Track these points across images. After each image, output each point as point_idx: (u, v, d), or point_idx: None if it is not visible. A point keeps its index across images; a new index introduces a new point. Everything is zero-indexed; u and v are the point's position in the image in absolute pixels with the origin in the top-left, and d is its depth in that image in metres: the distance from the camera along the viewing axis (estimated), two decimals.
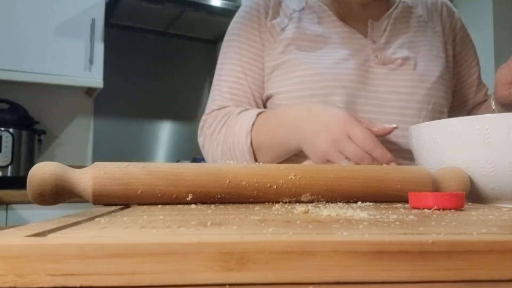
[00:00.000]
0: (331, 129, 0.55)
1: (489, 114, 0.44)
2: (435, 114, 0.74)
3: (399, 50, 0.75)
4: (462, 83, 0.87)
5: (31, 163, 1.90)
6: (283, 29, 0.77)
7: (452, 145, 0.46)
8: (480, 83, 0.90)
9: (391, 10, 0.79)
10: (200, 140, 0.78)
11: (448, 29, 0.85)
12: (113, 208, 0.36)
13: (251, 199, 0.40)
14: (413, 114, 0.71)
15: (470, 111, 0.89)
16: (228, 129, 0.70)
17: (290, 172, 0.41)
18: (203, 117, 0.78)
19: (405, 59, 0.74)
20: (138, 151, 2.36)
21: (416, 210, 0.34)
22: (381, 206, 0.38)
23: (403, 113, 0.71)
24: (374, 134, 0.56)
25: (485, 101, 0.89)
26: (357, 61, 0.72)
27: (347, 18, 0.77)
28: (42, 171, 0.35)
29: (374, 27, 0.76)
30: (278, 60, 0.75)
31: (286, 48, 0.75)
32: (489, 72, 2.49)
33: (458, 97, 0.87)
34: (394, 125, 0.57)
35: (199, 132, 0.79)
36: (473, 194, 0.47)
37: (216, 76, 0.81)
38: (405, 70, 0.73)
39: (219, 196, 0.39)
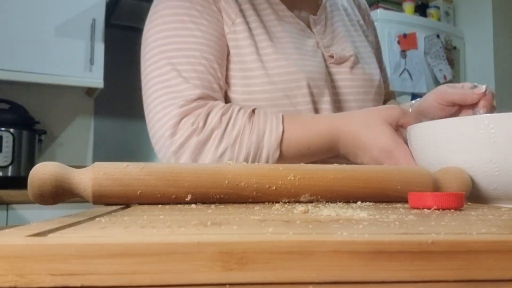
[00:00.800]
0: (380, 163, 0.56)
1: (494, 114, 0.44)
2: None
3: (344, 46, 0.73)
4: None
5: (31, 163, 1.90)
6: (241, 10, 0.67)
7: (455, 145, 0.46)
8: (386, 75, 0.92)
9: (323, 2, 0.77)
10: (177, 140, 0.58)
11: (367, 21, 0.86)
12: (114, 208, 0.36)
13: (250, 200, 0.40)
14: None
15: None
16: (242, 136, 0.58)
17: (289, 173, 0.41)
18: (175, 110, 0.59)
19: (355, 57, 0.73)
20: (138, 151, 2.36)
21: (415, 210, 0.34)
22: (381, 206, 0.38)
23: None
24: None
25: (388, 93, 0.91)
26: (319, 60, 0.69)
27: (291, 7, 0.72)
28: (43, 172, 0.35)
29: (316, 23, 0.73)
30: (243, 49, 0.65)
31: (249, 33, 0.66)
32: (489, 71, 2.49)
33: None
34: None
35: (169, 132, 0.59)
36: (474, 194, 0.47)
37: (163, 61, 0.62)
38: (357, 69, 0.72)
39: (218, 196, 0.39)
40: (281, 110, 0.64)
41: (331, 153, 0.62)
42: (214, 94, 0.62)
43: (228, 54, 0.66)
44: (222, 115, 0.59)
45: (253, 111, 0.61)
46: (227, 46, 0.66)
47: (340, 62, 0.71)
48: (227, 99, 0.66)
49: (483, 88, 0.62)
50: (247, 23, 0.66)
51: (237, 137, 0.58)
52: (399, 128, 0.59)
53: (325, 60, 0.70)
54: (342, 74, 0.71)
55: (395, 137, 0.55)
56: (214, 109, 0.60)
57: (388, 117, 0.57)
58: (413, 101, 0.75)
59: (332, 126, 0.59)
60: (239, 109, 0.61)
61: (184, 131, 0.58)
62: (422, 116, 0.71)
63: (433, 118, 0.68)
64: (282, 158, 0.60)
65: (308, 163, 0.61)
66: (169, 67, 0.62)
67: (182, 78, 0.61)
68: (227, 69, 0.66)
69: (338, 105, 0.70)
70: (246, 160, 0.58)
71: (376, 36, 0.89)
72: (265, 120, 0.59)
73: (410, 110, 0.74)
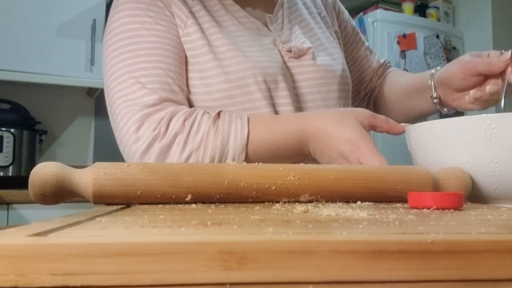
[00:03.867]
0: (346, 157, 0.55)
1: (495, 114, 0.44)
2: (348, 101, 0.75)
3: (302, 41, 0.73)
4: (354, 57, 0.89)
5: (32, 163, 1.90)
6: (191, 12, 0.67)
7: (456, 145, 0.46)
8: (371, 51, 0.92)
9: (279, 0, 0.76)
10: (140, 146, 0.58)
11: (330, 11, 0.85)
12: (114, 207, 0.36)
13: (250, 200, 0.40)
14: (334, 104, 0.71)
15: (370, 82, 0.91)
16: (206, 140, 0.57)
17: (289, 173, 0.41)
18: (133, 117, 0.59)
19: (314, 48, 0.72)
20: None
21: (415, 210, 0.34)
22: (381, 205, 0.38)
23: (326, 105, 0.70)
24: (398, 134, 0.58)
25: (381, 65, 0.91)
26: (275, 56, 0.68)
27: (244, 6, 0.71)
28: (44, 172, 0.36)
29: (272, 21, 0.72)
30: (197, 50, 0.65)
31: (202, 34, 0.65)
32: None
33: (355, 71, 0.88)
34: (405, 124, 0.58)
35: (131, 139, 0.59)
36: (474, 194, 0.47)
37: (121, 70, 0.62)
38: (318, 61, 0.72)
39: (218, 196, 0.39)
40: (240, 107, 0.64)
41: (300, 153, 0.60)
42: (175, 97, 0.61)
43: (186, 57, 0.66)
44: (185, 119, 0.59)
45: (218, 114, 0.60)
46: (184, 49, 0.66)
47: (299, 55, 0.70)
48: (188, 102, 0.65)
49: (508, 53, 0.60)
50: (198, 24, 0.66)
51: (201, 141, 0.57)
52: (369, 130, 0.58)
53: (282, 56, 0.70)
54: (302, 68, 0.70)
55: (362, 130, 0.55)
56: (177, 114, 0.59)
57: (359, 115, 0.57)
58: (433, 70, 0.73)
59: (300, 124, 0.58)
60: (204, 113, 0.60)
61: (146, 137, 0.58)
62: (445, 86, 0.69)
63: (457, 89, 0.67)
64: (249, 160, 0.58)
65: None
66: (127, 75, 0.61)
67: (139, 85, 0.60)
68: (186, 71, 0.65)
69: (298, 99, 0.69)
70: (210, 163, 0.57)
71: (348, 21, 0.89)
72: (229, 123, 0.59)
73: (431, 81, 0.72)
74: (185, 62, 0.66)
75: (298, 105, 0.69)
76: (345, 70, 0.76)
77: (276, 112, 0.66)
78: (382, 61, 0.93)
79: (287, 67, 0.69)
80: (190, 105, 0.65)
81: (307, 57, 0.71)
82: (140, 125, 0.58)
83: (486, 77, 0.64)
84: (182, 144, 0.57)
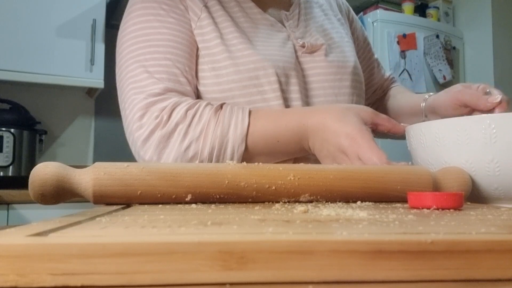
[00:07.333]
0: (344, 151, 0.54)
1: (495, 114, 0.44)
2: (361, 98, 0.76)
3: (317, 37, 0.73)
4: (364, 66, 0.89)
5: (32, 163, 1.90)
6: (206, 6, 0.68)
7: (456, 145, 0.46)
8: (379, 64, 0.94)
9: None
10: (142, 134, 0.59)
11: (344, 16, 0.86)
12: (114, 207, 0.36)
13: (249, 200, 0.40)
14: (347, 100, 0.72)
15: (373, 93, 0.93)
16: (207, 130, 0.58)
17: (289, 173, 0.41)
18: (138, 104, 0.61)
19: (328, 45, 0.73)
20: None
21: (415, 210, 0.34)
22: (381, 205, 0.38)
23: (338, 100, 0.71)
24: (399, 134, 0.58)
25: (387, 79, 0.93)
26: (288, 50, 0.69)
27: (261, 5, 0.73)
28: (44, 172, 0.36)
29: (288, 18, 0.74)
30: (210, 42, 0.66)
31: (215, 26, 0.67)
32: (488, 71, 2.49)
33: (364, 79, 0.89)
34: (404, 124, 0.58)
35: (135, 126, 0.60)
36: (474, 194, 0.47)
37: (131, 60, 0.64)
38: (330, 56, 0.72)
39: (218, 196, 0.39)
40: (248, 99, 0.65)
41: (300, 148, 0.60)
42: (180, 88, 0.63)
43: (198, 50, 0.67)
44: (188, 110, 0.60)
45: (221, 106, 0.60)
46: (196, 42, 0.67)
47: (312, 50, 0.71)
48: (197, 93, 0.67)
49: (498, 98, 0.60)
50: (212, 17, 0.68)
51: (201, 131, 0.58)
52: (372, 128, 0.58)
53: (296, 51, 0.71)
54: (314, 63, 0.71)
55: (361, 125, 0.55)
56: (181, 105, 0.60)
57: (361, 111, 0.57)
58: (426, 96, 0.75)
59: (301, 118, 0.58)
60: (206, 105, 0.60)
61: (148, 125, 0.59)
62: (433, 113, 0.71)
63: (443, 117, 0.67)
64: (249, 152, 0.59)
65: (278, 161, 0.61)
66: (136, 65, 0.64)
67: (147, 74, 0.62)
68: (197, 64, 0.67)
69: (308, 93, 0.70)
70: (210, 155, 0.58)
71: (360, 31, 0.90)
72: (230, 115, 0.59)
73: (423, 104, 0.74)
74: (196, 54, 0.67)
75: (308, 100, 0.69)
76: (357, 67, 0.76)
77: (285, 107, 0.66)
78: (387, 75, 0.95)
79: (299, 62, 0.70)
80: (199, 96, 0.67)
81: (319, 53, 0.72)
82: (144, 113, 0.60)
83: (473, 111, 0.64)
84: (183, 133, 0.58)
